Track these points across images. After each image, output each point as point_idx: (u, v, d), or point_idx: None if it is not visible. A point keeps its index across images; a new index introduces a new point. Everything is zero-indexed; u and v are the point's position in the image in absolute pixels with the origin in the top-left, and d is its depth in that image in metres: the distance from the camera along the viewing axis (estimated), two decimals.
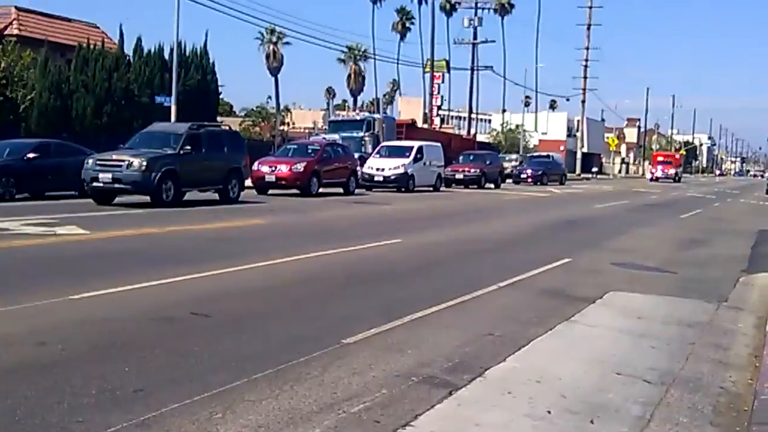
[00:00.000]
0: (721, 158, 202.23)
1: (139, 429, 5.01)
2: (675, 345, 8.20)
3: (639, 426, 5.69)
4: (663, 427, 5.73)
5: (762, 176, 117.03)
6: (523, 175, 51.58)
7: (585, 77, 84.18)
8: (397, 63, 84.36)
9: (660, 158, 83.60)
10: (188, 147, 21.44)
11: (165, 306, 8.46)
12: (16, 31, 41.35)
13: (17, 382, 5.74)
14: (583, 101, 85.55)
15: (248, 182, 25.90)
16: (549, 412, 5.80)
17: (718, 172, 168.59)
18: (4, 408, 5.23)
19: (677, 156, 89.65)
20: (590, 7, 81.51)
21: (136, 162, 19.98)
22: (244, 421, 5.26)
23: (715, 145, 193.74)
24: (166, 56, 39.61)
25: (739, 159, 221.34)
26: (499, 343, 7.73)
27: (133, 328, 7.53)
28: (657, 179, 76.02)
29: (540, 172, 52.35)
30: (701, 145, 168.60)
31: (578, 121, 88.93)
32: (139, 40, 41.15)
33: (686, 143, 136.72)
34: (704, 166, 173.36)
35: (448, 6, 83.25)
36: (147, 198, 20.39)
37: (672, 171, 78.91)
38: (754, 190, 64.47)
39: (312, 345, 7.15)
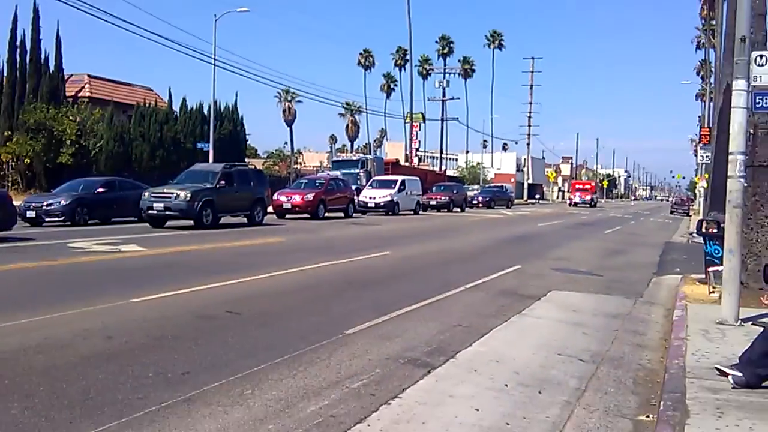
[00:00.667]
0: (635, 187, 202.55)
1: (186, 403, 4.97)
2: (603, 332, 8.19)
3: (576, 395, 5.67)
4: (595, 395, 5.72)
5: (666, 200, 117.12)
6: (475, 201, 51.02)
7: (529, 125, 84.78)
8: (384, 115, 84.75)
9: (578, 186, 74.23)
10: (223, 182, 21.37)
11: (206, 306, 8.39)
12: (87, 94, 41.33)
13: (91, 368, 5.68)
14: (528, 143, 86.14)
15: (270, 209, 25.79)
16: (506, 385, 5.78)
17: (633, 197, 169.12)
18: (80, 387, 5.18)
19: (593, 184, 79.71)
20: (532, 72, 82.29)
21: (182, 194, 19.91)
22: (268, 396, 5.23)
23: (630, 176, 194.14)
24: (205, 111, 39.65)
25: (649, 187, 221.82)
26: (466, 332, 7.70)
27: (181, 324, 7.47)
28: (575, 204, 66.38)
29: (488, 198, 52.85)
30: (619, 176, 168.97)
31: (524, 159, 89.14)
32: (184, 99, 41.37)
33: (608, 175, 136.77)
34: (622, 193, 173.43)
35: (423, 71, 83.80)
36: (191, 222, 20.29)
37: (588, 197, 69.38)
38: (660, 211, 64.75)
39: (320, 335, 7.12)
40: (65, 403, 4.85)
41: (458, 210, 42.90)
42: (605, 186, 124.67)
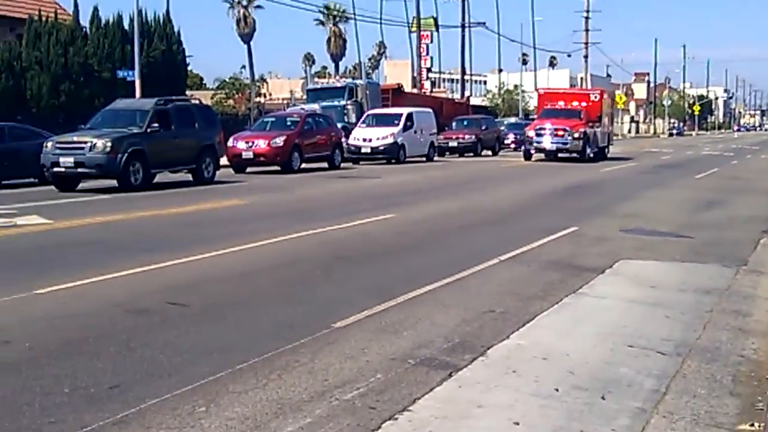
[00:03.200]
0: (740, 112, 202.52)
1: (117, 427, 5.09)
2: (691, 314, 8.32)
3: (653, 399, 5.80)
4: (680, 399, 5.84)
5: None
6: (509, 141, 48.74)
7: (587, 30, 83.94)
8: (380, 23, 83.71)
9: (549, 106, 39.41)
10: (156, 125, 21.43)
11: (138, 297, 8.52)
12: None
13: None
14: (586, 56, 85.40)
15: (224, 160, 25.87)
16: (557, 389, 5.90)
17: (736, 127, 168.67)
18: None
19: (592, 99, 39.91)
20: None
21: (99, 143, 19.97)
22: (230, 413, 5.35)
23: (732, 97, 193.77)
24: (126, 26, 39.38)
25: (759, 112, 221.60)
26: (501, 320, 7.83)
27: (105, 322, 7.58)
28: (530, 156, 37.67)
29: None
30: (717, 98, 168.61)
31: (581, 78, 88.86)
32: (95, 9, 40.89)
33: (701, 97, 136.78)
34: (721, 121, 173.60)
35: None
36: (113, 182, 20.41)
37: (572, 136, 35.98)
38: None
39: (300, 331, 7.24)
40: None
41: (489, 153, 43.11)
42: (696, 112, 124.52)
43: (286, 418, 5.29)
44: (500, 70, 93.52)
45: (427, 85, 70.35)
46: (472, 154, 41.49)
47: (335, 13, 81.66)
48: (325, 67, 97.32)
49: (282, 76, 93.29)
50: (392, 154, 33.65)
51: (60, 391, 5.69)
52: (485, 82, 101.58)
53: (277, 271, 10.11)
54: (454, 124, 44.35)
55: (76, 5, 41.14)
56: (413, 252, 11.86)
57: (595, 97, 39.80)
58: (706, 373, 6.45)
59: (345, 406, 5.53)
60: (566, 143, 35.55)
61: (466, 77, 74.85)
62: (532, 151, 36.98)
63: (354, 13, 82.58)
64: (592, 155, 36.69)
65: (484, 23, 76.67)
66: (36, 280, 9.13)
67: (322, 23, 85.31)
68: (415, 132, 35.61)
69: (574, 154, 36.03)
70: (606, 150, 40.07)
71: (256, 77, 74.46)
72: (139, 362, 6.37)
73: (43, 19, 38.22)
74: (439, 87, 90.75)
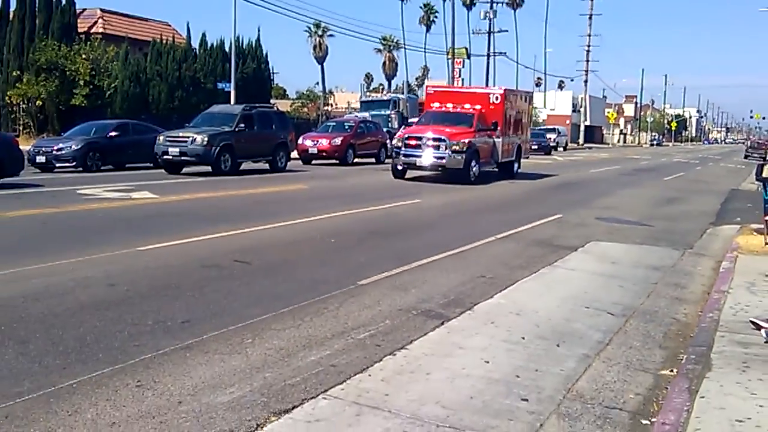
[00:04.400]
0: (708, 128, 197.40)
1: (183, 351, 5.26)
2: (640, 285, 8.26)
3: (597, 348, 5.81)
4: (618, 349, 5.84)
5: (743, 143, 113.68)
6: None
7: (587, 60, 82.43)
8: (425, 51, 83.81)
9: (434, 109, 23.56)
10: (242, 125, 21.58)
11: (214, 255, 8.68)
12: (101, 30, 41.75)
13: (90, 315, 6.00)
14: (586, 81, 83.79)
15: (294, 154, 26.02)
16: (523, 338, 5.94)
17: (705, 140, 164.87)
18: (77, 334, 5.50)
19: (492, 101, 23.25)
20: None
21: (198, 138, 20.22)
22: (269, 345, 5.49)
23: (703, 117, 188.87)
24: (227, 49, 39.72)
25: (724, 129, 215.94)
26: (489, 283, 7.85)
27: (187, 273, 7.77)
28: (399, 173, 21.68)
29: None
30: (690, 117, 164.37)
31: (582, 98, 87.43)
32: (203, 35, 41.48)
33: (677, 116, 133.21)
34: (693, 135, 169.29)
35: (468, 1, 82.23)
36: (209, 168, 20.66)
37: (450, 149, 20.29)
38: (734, 155, 63.30)
39: (332, 286, 7.35)
40: (60, 349, 5.18)
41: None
42: (673, 128, 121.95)
43: (311, 350, 5.41)
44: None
45: None
46: None
47: (390, 43, 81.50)
48: (381, 84, 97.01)
49: (346, 90, 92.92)
50: None
51: (145, 323, 5.87)
52: None
53: (321, 241, 10.18)
54: None
55: (188, 31, 41.69)
56: (429, 229, 11.89)
57: (496, 98, 23.18)
58: (643, 330, 6.43)
59: (357, 343, 5.64)
60: (442, 157, 20.30)
61: None
62: (400, 167, 21.36)
63: (404, 44, 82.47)
64: (477, 174, 20.99)
65: (505, 53, 76.53)
66: (140, 240, 9.35)
67: (380, 50, 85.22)
68: None
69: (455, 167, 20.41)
70: (513, 166, 24.47)
71: (327, 90, 74.67)
72: (207, 304, 6.53)
73: (164, 41, 38.72)
74: None
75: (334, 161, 27.46)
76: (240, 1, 35.05)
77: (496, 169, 23.25)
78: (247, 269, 8.07)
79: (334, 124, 30.74)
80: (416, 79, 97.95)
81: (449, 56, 67.43)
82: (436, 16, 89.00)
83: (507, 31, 73.61)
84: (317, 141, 27.59)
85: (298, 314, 6.32)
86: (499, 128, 22.25)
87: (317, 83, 75.58)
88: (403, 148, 20.84)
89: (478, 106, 22.46)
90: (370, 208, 13.93)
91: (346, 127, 29.28)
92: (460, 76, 66.86)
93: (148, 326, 5.79)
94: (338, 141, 27.40)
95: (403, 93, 49.69)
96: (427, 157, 20.36)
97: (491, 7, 69.35)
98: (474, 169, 20.72)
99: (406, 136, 21.05)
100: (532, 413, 4.42)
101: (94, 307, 6.28)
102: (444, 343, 5.72)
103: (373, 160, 29.56)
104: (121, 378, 4.70)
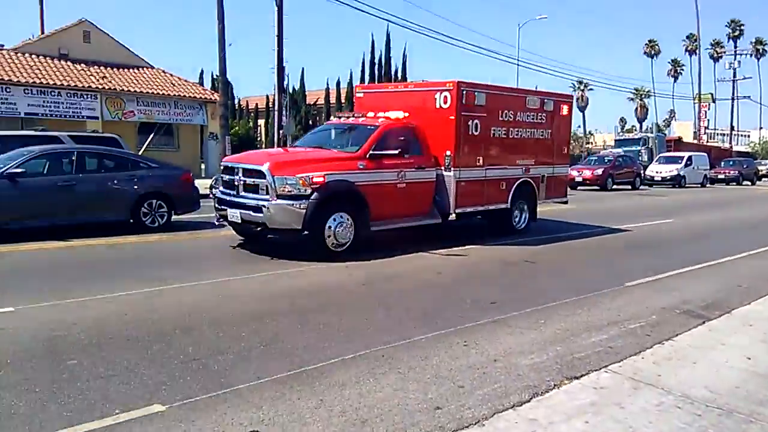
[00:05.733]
0: None
1: (492, 324, 5.44)
2: None
3: None
4: None
5: None
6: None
7: None
8: (672, 98, 76.50)
9: (370, 116, 9.65)
10: None
11: (510, 256, 8.75)
12: None
13: (425, 294, 6.48)
14: None
15: None
16: None
17: None
18: (420, 306, 5.96)
19: (435, 106, 9.10)
20: None
21: None
22: (558, 326, 5.44)
23: None
24: None
25: None
26: (745, 292, 6.90)
27: (491, 268, 8.00)
28: (219, 223, 8.85)
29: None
30: None
31: None
32: None
33: None
34: None
35: (715, 54, 72.77)
36: None
37: (275, 194, 7.55)
38: None
39: (603, 284, 7.03)
40: (411, 315, 5.67)
41: (748, 183, 36.74)
42: None
43: (591, 333, 5.27)
44: (761, 128, 79.04)
45: (704, 137, 61.65)
46: (735, 184, 35.76)
47: (641, 93, 75.37)
48: (633, 126, 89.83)
49: (603, 132, 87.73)
50: (677, 181, 30.10)
51: (465, 301, 6.18)
52: (749, 136, 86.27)
53: (588, 250, 9.75)
54: (722, 163, 38.47)
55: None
56: (684, 245, 10.71)
57: (444, 100, 9.23)
58: None
59: (629, 331, 5.36)
60: (258, 209, 7.86)
61: (734, 132, 64.71)
62: (216, 222, 8.97)
63: (654, 92, 75.52)
64: (344, 243, 8.10)
65: (749, 96, 65.74)
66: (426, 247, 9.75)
67: (632, 99, 79.05)
68: (694, 168, 31.53)
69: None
70: (512, 215, 10.71)
71: (587, 132, 71.24)
72: (508, 290, 6.67)
73: None
74: (713, 139, 79.12)
75: (595, 187, 26.07)
76: (521, 68, 34.70)
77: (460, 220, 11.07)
78: (535, 267, 8.08)
79: (596, 158, 29.31)
80: (663, 120, 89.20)
81: (695, 101, 60.12)
82: (682, 69, 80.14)
83: (750, 77, 63.46)
84: (582, 171, 26.51)
85: (577, 305, 6.17)
86: (426, 151, 9.33)
87: (579, 126, 72.57)
88: (219, 190, 8.87)
89: (402, 114, 9.61)
90: (628, 225, 12.86)
91: (606, 160, 27.71)
92: (705, 117, 59.30)
93: (468, 304, 6.10)
94: (600, 171, 26.10)
95: (652, 132, 45.54)
96: (236, 208, 8.26)
97: (735, 58, 60.92)
98: (338, 231, 8.05)
99: (223, 166, 8.98)
100: None
101: (429, 287, 6.78)
102: (706, 338, 5.18)
103: (629, 187, 27.50)
104: (453, 338, 5.02)
